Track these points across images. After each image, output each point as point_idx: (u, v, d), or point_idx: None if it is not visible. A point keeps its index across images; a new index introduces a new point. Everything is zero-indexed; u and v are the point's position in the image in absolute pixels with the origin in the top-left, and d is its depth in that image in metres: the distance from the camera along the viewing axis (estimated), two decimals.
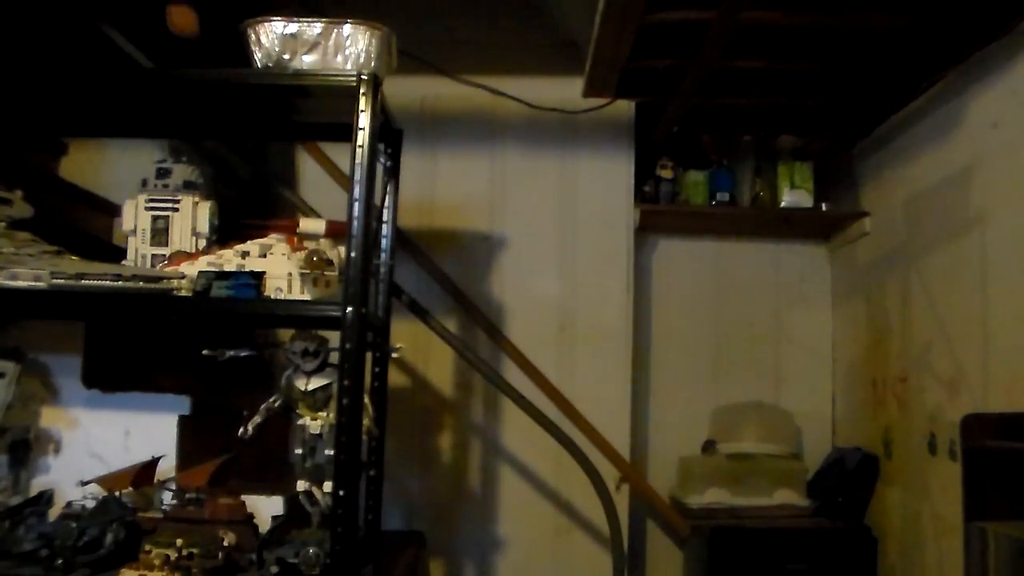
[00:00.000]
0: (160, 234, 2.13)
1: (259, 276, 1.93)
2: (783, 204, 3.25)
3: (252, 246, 2.00)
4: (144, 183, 2.18)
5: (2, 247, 1.95)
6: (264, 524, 2.04)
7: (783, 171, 3.26)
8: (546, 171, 3.23)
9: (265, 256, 1.98)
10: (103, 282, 1.85)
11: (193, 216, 2.15)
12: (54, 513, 2.07)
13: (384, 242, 2.26)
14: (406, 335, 2.57)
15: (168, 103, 2.13)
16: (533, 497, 3.14)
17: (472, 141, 3.23)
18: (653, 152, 3.26)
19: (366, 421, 1.92)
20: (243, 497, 2.08)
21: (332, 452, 1.83)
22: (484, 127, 3.23)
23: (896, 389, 2.91)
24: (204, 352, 1.95)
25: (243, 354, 2.03)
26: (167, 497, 2.13)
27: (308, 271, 1.93)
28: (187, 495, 2.09)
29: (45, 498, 2.12)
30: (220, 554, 1.88)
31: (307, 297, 1.95)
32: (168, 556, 1.82)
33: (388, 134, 2.19)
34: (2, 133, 2.39)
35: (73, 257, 2.02)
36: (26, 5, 2.73)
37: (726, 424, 3.28)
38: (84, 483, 2.09)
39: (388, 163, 2.25)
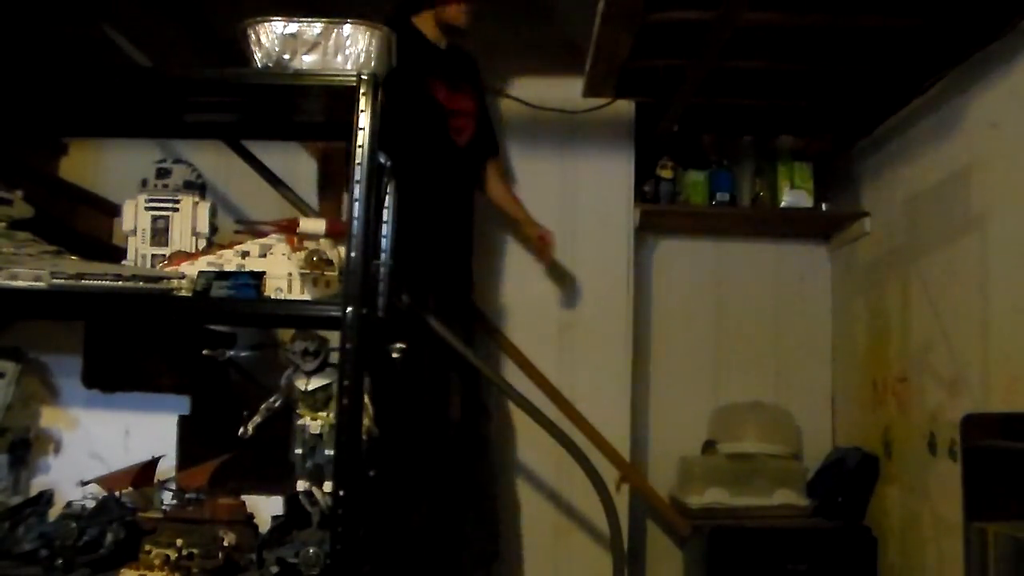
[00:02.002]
0: (160, 234, 2.13)
1: (259, 276, 1.92)
2: (783, 204, 3.25)
3: (252, 246, 1.99)
4: (144, 183, 2.17)
5: (2, 247, 1.95)
6: (264, 524, 2.04)
7: (783, 171, 3.26)
8: (546, 171, 3.23)
9: (265, 256, 1.98)
10: (103, 282, 1.85)
11: (193, 216, 2.14)
12: (54, 513, 2.07)
13: (384, 242, 2.26)
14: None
15: (168, 103, 2.13)
16: (533, 497, 3.14)
17: None
18: (653, 152, 3.26)
19: (366, 421, 1.92)
20: (243, 497, 2.08)
21: (332, 452, 1.83)
22: None
23: (896, 389, 2.91)
24: (204, 352, 1.95)
25: (243, 354, 2.03)
26: (167, 497, 2.12)
27: (308, 271, 1.93)
28: (187, 495, 2.08)
29: (45, 498, 2.12)
30: (220, 554, 1.88)
31: (307, 297, 1.94)
32: (168, 556, 1.82)
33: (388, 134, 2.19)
34: (2, 133, 2.39)
35: (73, 257, 2.02)
36: (27, 5, 2.74)
37: (726, 424, 3.28)
38: (84, 483, 2.09)
39: (388, 163, 2.25)
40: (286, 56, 1.89)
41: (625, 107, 3.17)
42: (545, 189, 3.23)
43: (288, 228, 2.01)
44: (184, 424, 2.33)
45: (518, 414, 2.90)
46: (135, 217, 2.14)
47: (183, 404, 2.38)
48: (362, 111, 1.82)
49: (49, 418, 2.32)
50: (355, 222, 1.80)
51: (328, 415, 1.91)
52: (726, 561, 2.88)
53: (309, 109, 2.10)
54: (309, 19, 1.90)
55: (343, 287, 1.83)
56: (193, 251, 2.10)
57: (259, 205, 2.84)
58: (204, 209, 2.16)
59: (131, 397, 2.33)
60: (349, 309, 1.79)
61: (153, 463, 2.16)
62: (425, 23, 2.74)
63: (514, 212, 2.98)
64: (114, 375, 2.32)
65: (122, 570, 1.82)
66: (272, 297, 1.93)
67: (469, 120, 2.77)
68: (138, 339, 2.38)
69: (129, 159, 2.71)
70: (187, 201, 2.15)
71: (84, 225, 2.72)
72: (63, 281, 1.83)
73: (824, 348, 3.46)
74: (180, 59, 2.86)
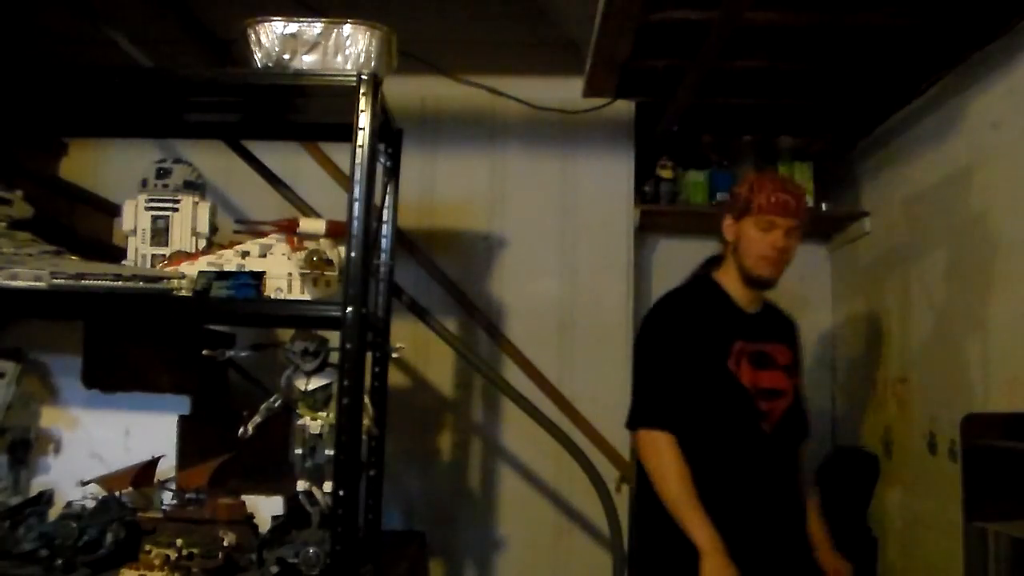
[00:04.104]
0: (160, 234, 2.13)
1: (259, 276, 1.93)
2: None
3: (252, 246, 2.00)
4: (144, 183, 2.18)
5: (2, 247, 1.95)
6: (264, 524, 2.04)
7: (783, 171, 3.26)
8: (546, 171, 3.23)
9: (265, 256, 1.98)
10: (103, 282, 1.85)
11: (193, 216, 2.15)
12: (54, 513, 2.07)
13: (384, 242, 2.26)
14: (406, 335, 2.57)
15: (168, 103, 2.13)
16: (533, 497, 3.14)
17: (472, 141, 3.23)
18: (653, 152, 3.26)
19: (366, 421, 1.92)
20: (243, 497, 2.08)
21: (332, 452, 1.83)
22: (484, 127, 3.23)
23: (896, 389, 2.91)
24: (204, 352, 1.95)
25: (243, 354, 2.03)
26: (167, 497, 2.12)
27: (308, 271, 1.93)
28: (187, 495, 2.08)
29: (45, 498, 2.12)
30: (220, 554, 1.88)
31: (307, 297, 1.95)
32: (168, 556, 1.82)
33: (388, 134, 2.19)
34: (2, 133, 2.39)
35: (73, 257, 2.02)
36: (27, 5, 2.74)
37: None
38: (84, 483, 2.09)
39: (388, 163, 2.25)
40: (286, 56, 1.89)
41: (625, 107, 3.18)
42: (545, 189, 3.23)
43: (288, 228, 2.01)
44: (184, 424, 2.33)
45: (518, 413, 2.90)
46: (135, 217, 2.14)
47: (183, 404, 2.38)
48: (362, 111, 1.82)
49: (49, 418, 2.32)
50: (355, 222, 1.80)
51: (328, 415, 1.91)
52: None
53: (309, 109, 2.11)
54: (309, 19, 1.90)
55: (343, 287, 1.83)
56: (193, 251, 2.10)
57: (259, 205, 2.84)
58: (204, 209, 2.16)
59: (131, 397, 2.32)
60: (349, 309, 1.79)
61: (153, 463, 2.16)
62: (727, 277, 2.25)
63: (815, 528, 2.29)
64: (114, 375, 2.31)
65: (122, 570, 1.82)
66: (272, 297, 1.94)
67: (779, 400, 2.17)
68: (138, 339, 2.38)
69: (129, 159, 2.71)
70: (187, 201, 2.15)
71: (84, 225, 2.72)
72: (63, 281, 1.83)
73: (824, 348, 3.45)
74: (180, 59, 2.86)
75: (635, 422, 2.14)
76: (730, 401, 2.13)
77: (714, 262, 2.31)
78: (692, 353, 2.13)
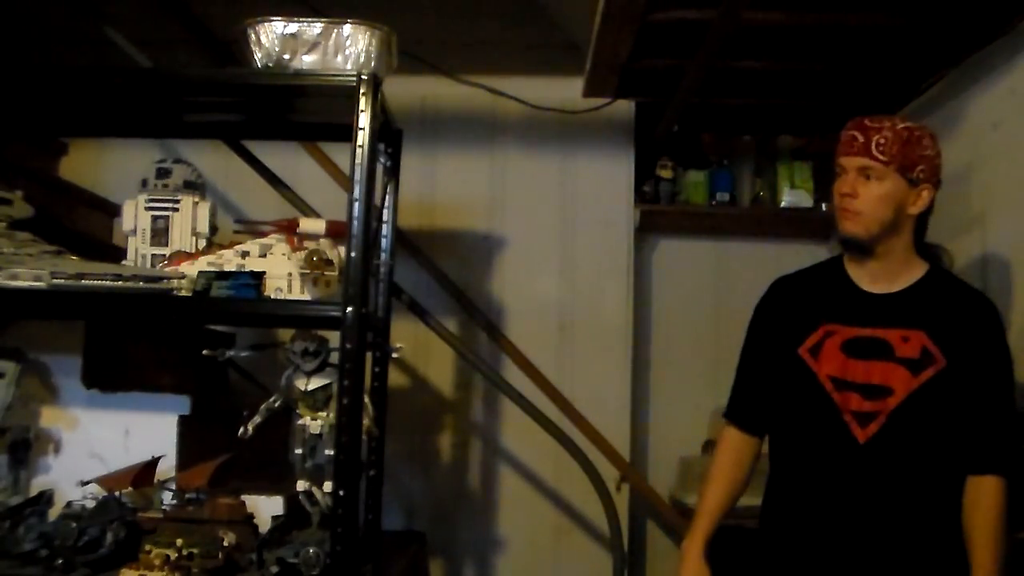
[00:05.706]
0: (160, 234, 2.13)
1: (259, 276, 1.93)
2: (783, 204, 3.24)
3: (252, 246, 2.00)
4: (144, 183, 2.18)
5: (2, 247, 1.95)
6: (264, 524, 2.04)
7: (783, 171, 3.26)
8: (546, 171, 3.23)
9: (265, 256, 1.98)
10: (103, 282, 1.85)
11: (193, 216, 2.15)
12: (54, 513, 2.07)
13: (384, 242, 2.26)
14: (406, 335, 2.57)
15: (168, 103, 2.13)
16: (533, 497, 3.14)
17: (472, 141, 3.23)
18: (653, 152, 3.26)
19: (366, 421, 1.92)
20: (243, 497, 2.08)
21: (332, 452, 1.83)
22: (484, 127, 3.23)
23: None
24: (204, 352, 1.95)
25: (243, 354, 2.03)
26: (167, 497, 2.13)
27: (308, 271, 1.94)
28: (187, 495, 2.09)
29: (45, 498, 2.12)
30: (220, 554, 1.88)
31: (307, 297, 1.95)
32: (168, 556, 1.82)
33: (388, 134, 2.19)
34: (2, 133, 2.39)
35: (73, 257, 2.02)
36: (28, 5, 2.74)
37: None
38: (84, 483, 2.09)
39: (388, 163, 2.25)
40: (286, 56, 1.90)
41: (625, 107, 3.18)
42: (545, 189, 3.23)
43: (288, 228, 2.01)
44: (184, 424, 2.33)
45: (518, 413, 2.90)
46: (135, 217, 2.14)
47: (183, 404, 2.38)
48: (362, 111, 1.82)
49: (49, 418, 2.33)
50: (355, 222, 1.80)
51: (328, 415, 1.91)
52: (726, 561, 2.87)
53: (309, 109, 2.11)
54: (309, 19, 1.90)
55: (343, 287, 1.83)
56: (193, 251, 2.10)
57: (259, 205, 2.84)
58: (204, 209, 2.16)
59: (131, 397, 2.33)
60: (349, 309, 1.79)
61: (153, 463, 2.16)
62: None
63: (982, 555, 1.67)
64: (114, 375, 2.32)
65: (122, 570, 1.82)
66: (272, 297, 1.94)
67: (883, 400, 1.71)
68: (138, 339, 2.38)
69: (129, 159, 2.71)
70: (187, 201, 2.15)
71: (84, 225, 2.72)
72: (63, 281, 1.83)
73: None
74: (180, 59, 2.86)
75: None
76: (797, 394, 1.81)
77: None
78: (767, 339, 1.93)
